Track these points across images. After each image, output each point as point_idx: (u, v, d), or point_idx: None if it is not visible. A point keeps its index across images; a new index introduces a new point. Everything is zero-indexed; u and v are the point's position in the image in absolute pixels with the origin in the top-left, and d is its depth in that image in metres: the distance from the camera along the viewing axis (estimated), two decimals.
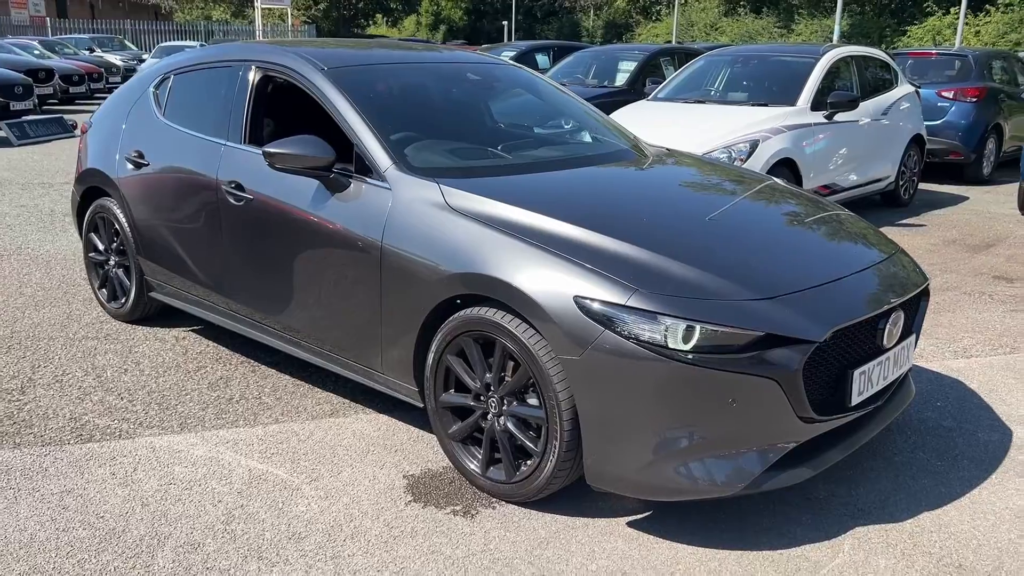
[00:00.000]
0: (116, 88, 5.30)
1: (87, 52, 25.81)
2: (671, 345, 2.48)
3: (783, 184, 3.87)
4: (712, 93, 7.70)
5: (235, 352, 4.30)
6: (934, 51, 10.94)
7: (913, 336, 3.09)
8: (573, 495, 2.91)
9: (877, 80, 7.97)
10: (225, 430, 3.45)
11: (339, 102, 3.41)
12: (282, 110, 4.15)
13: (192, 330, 4.62)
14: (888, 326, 2.82)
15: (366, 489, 3.00)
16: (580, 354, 2.56)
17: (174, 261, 4.14)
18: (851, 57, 7.68)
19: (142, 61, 25.81)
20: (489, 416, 2.92)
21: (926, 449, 3.35)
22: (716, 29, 37.42)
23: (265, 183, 3.56)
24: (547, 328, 2.63)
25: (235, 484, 3.02)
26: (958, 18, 29.35)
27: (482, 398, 2.93)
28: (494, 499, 2.94)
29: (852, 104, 6.98)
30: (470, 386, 2.95)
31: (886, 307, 2.80)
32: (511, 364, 2.81)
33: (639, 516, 2.84)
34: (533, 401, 2.81)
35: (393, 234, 3.07)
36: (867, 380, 2.78)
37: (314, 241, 3.36)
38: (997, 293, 5.61)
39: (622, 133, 4.20)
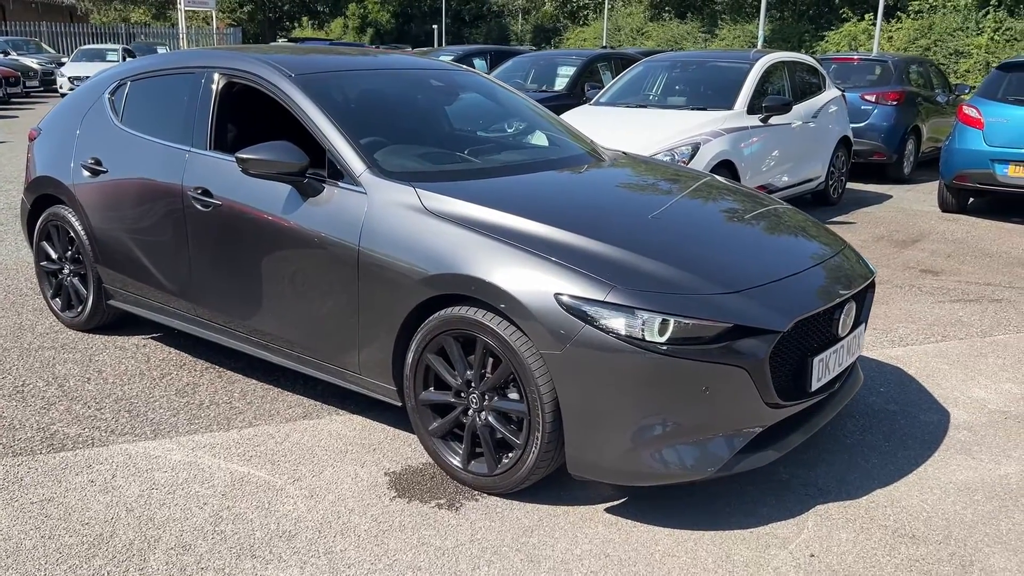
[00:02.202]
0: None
1: (1, 55, 24.90)
2: (647, 338, 2.63)
3: (734, 184, 4.08)
4: (652, 98, 7.94)
5: (199, 358, 4.30)
6: (856, 56, 11.45)
7: (863, 325, 3.31)
8: (552, 485, 3.03)
9: (807, 84, 8.33)
10: (200, 435, 3.47)
11: (309, 108, 3.47)
12: (247, 116, 4.17)
13: (152, 337, 4.59)
14: (842, 316, 3.03)
15: (349, 487, 3.07)
16: (562, 349, 2.69)
17: (136, 268, 4.12)
18: (782, 63, 8.01)
19: (61, 64, 25.04)
20: (470, 412, 3.03)
21: (874, 431, 3.58)
22: (642, 34, 38.15)
23: (234, 189, 3.59)
24: (529, 325, 2.75)
25: (218, 487, 3.05)
26: (873, 24, 30.61)
27: (462, 395, 3.03)
28: (476, 492, 3.04)
29: (786, 108, 7.29)
30: (451, 383, 3.04)
31: (840, 299, 3.01)
32: (492, 361, 2.92)
33: (616, 503, 2.98)
34: (514, 395, 2.92)
35: (370, 237, 3.15)
36: (824, 367, 2.97)
37: (286, 245, 3.41)
38: (925, 285, 5.96)
39: (579, 137, 4.35)
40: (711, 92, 7.56)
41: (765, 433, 2.85)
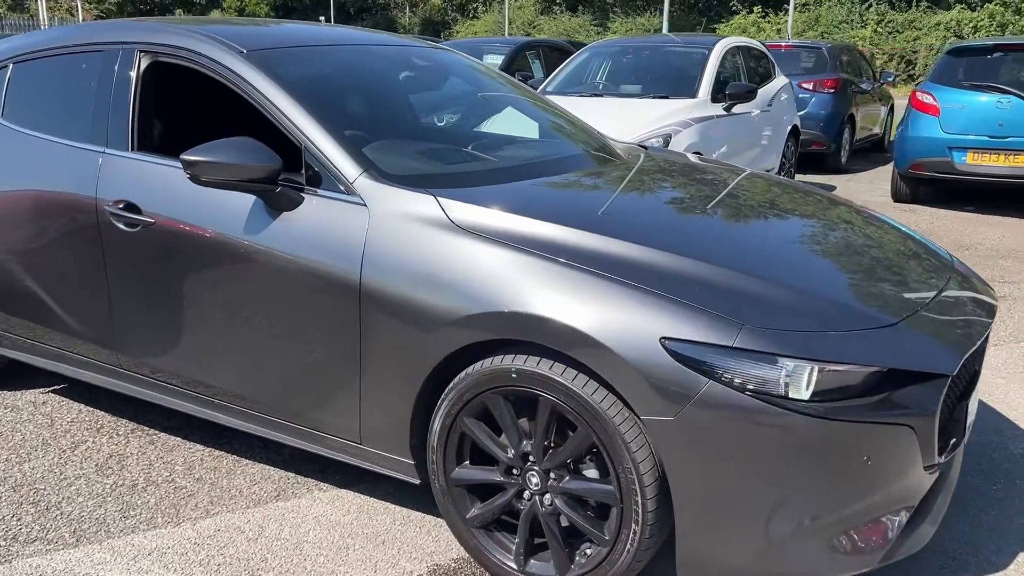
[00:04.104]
0: None
1: None
2: (792, 395, 1.94)
3: (791, 182, 3.44)
4: (603, 86, 7.30)
5: (119, 417, 3.36)
6: (786, 43, 11.17)
7: None
8: None
9: (759, 71, 7.88)
10: (140, 535, 2.58)
11: (275, 95, 2.62)
12: (180, 107, 3.26)
13: (53, 391, 3.60)
14: (985, 346, 2.43)
15: None
16: (676, 414, 1.97)
17: (30, 305, 3.15)
18: (738, 47, 7.53)
19: None
20: (525, 494, 2.27)
21: (972, 472, 3.01)
22: (534, 27, 37.76)
23: (173, 202, 2.70)
24: (623, 381, 2.02)
25: None
26: (762, 16, 31.19)
27: (515, 472, 2.28)
28: None
29: (750, 95, 6.79)
30: (499, 457, 2.28)
31: (987, 326, 2.40)
32: (557, 426, 2.19)
33: None
34: (592, 472, 2.19)
35: (376, 264, 2.35)
36: (971, 410, 2.37)
37: (251, 275, 2.56)
38: None
39: (587, 129, 3.63)
40: (670, 79, 6.97)
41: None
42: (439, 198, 2.38)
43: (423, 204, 2.37)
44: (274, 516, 2.68)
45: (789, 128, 8.15)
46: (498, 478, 2.31)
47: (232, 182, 2.48)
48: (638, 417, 2.03)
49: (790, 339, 1.98)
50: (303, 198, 2.51)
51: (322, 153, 2.50)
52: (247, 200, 2.56)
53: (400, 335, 2.33)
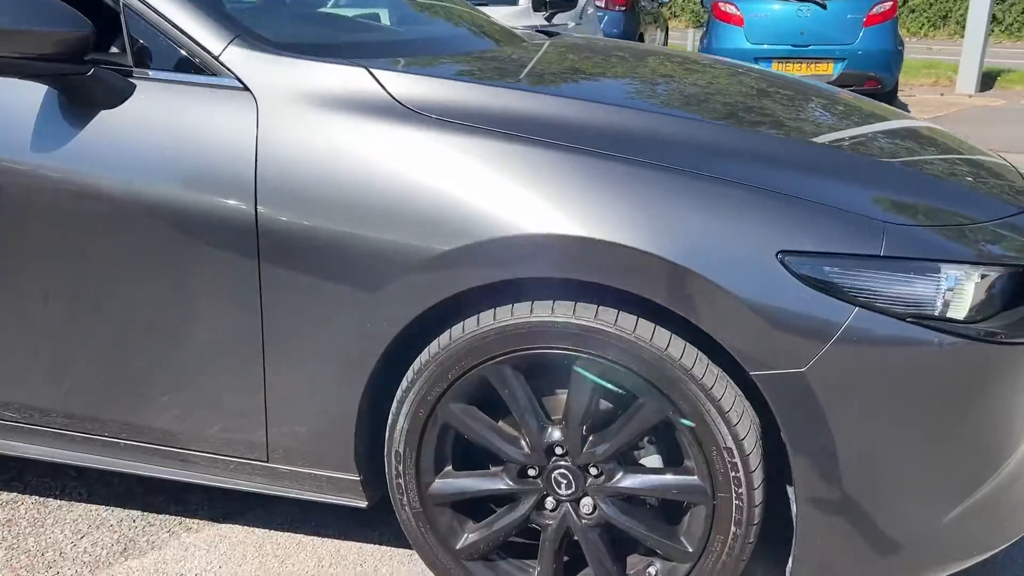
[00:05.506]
0: None
1: None
2: (952, 314, 1.36)
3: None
4: None
5: None
6: None
7: None
8: None
9: None
10: None
11: None
12: None
13: None
14: None
15: None
16: (807, 362, 1.32)
17: None
18: None
19: None
20: (549, 503, 1.55)
21: None
22: None
23: None
24: (722, 323, 1.34)
25: None
26: None
27: (533, 473, 1.54)
28: None
29: (571, 3, 6.23)
30: (507, 455, 1.53)
31: None
32: (611, 399, 1.48)
33: None
34: (652, 461, 1.51)
35: (279, 184, 1.47)
36: None
37: (51, 221, 1.58)
38: None
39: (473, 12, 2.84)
40: None
41: None
42: (372, 70, 1.53)
43: (348, 79, 1.52)
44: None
45: None
46: (506, 485, 1.56)
47: (8, 60, 1.46)
48: (745, 374, 1.36)
49: (946, 238, 1.40)
50: (132, 85, 1.55)
51: (157, 9, 1.55)
52: (34, 93, 1.55)
53: (334, 293, 1.49)
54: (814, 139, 1.70)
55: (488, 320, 1.44)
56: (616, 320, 1.39)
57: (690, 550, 1.48)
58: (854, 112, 2.01)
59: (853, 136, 1.78)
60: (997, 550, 1.54)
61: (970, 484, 1.43)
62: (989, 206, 1.55)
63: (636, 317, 1.39)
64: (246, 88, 1.52)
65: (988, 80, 10.78)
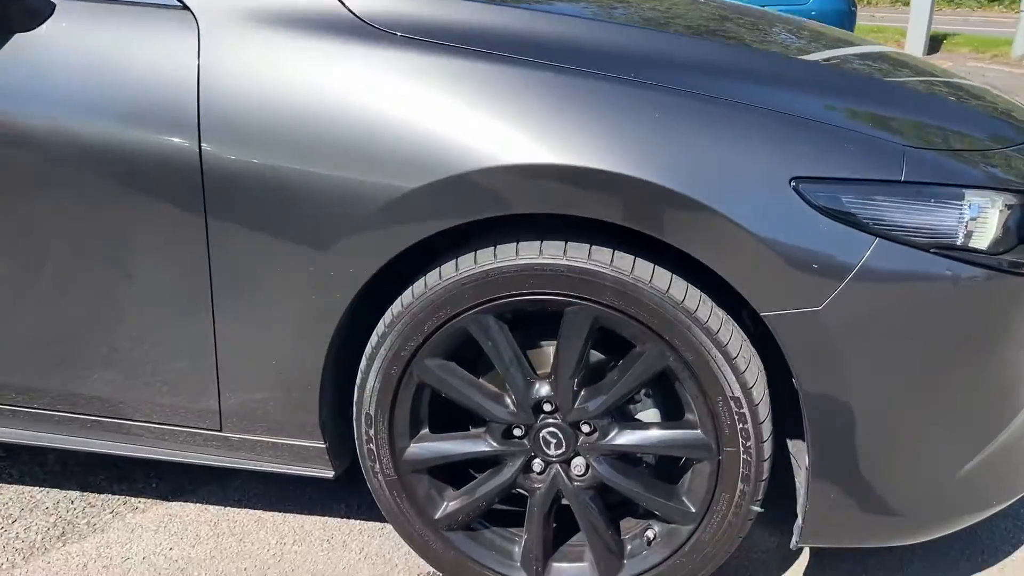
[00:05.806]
0: None
1: None
2: (975, 244, 1.25)
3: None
4: None
5: None
6: None
7: None
8: None
9: None
10: None
11: None
12: None
13: None
14: None
15: None
16: (824, 299, 1.20)
17: None
18: None
19: None
20: (537, 464, 1.41)
21: None
22: None
23: None
24: (730, 259, 1.21)
25: None
26: None
27: (518, 433, 1.40)
28: None
29: None
30: (491, 414, 1.39)
31: None
32: (604, 349, 1.34)
33: None
34: (648, 415, 1.39)
35: (225, 116, 1.29)
36: None
37: None
38: None
39: None
40: None
41: None
42: None
43: None
44: (63, 573, 1.58)
45: None
46: (490, 447, 1.42)
47: None
48: (756, 315, 1.24)
49: (967, 164, 1.28)
50: (51, 4, 1.35)
51: None
52: None
53: (291, 239, 1.32)
54: (803, 57, 1.58)
55: (468, 265, 1.29)
56: (612, 260, 1.25)
57: (692, 510, 1.36)
58: (822, 36, 1.88)
59: (828, 59, 1.66)
60: (1008, 503, 1.45)
61: (990, 431, 1.33)
62: (1004, 130, 1.44)
63: (633, 257, 1.25)
64: (185, 6, 1.33)
65: (935, 43, 10.87)
